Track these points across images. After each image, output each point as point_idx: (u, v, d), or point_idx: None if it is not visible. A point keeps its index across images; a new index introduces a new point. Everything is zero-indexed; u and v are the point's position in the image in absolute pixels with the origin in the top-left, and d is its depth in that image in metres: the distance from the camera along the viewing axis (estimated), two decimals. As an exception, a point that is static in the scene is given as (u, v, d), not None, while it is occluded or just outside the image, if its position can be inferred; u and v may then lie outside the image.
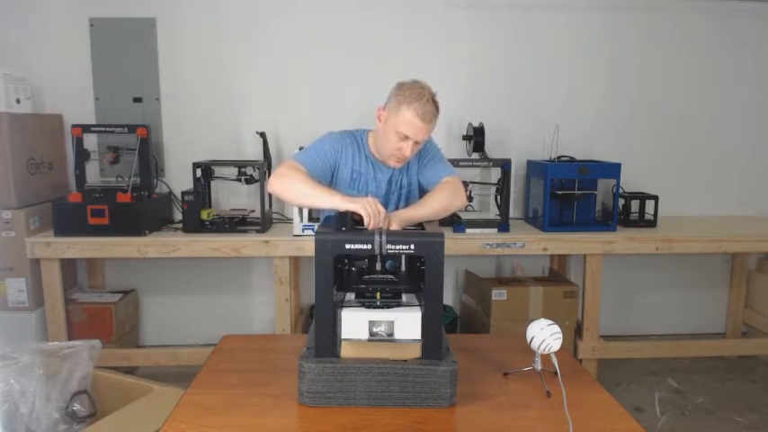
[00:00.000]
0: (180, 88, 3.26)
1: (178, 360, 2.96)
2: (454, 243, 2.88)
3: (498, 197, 3.10)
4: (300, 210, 2.82)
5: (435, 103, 1.72)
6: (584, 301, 3.02)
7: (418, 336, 1.42)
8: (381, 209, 1.54)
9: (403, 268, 1.57)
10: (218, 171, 3.16)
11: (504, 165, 3.04)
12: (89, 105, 3.23)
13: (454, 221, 3.00)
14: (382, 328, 1.42)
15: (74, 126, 2.91)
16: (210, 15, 3.23)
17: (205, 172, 3.05)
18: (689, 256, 3.39)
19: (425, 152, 1.88)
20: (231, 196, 3.35)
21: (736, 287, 3.59)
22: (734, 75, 3.50)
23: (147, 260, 2.97)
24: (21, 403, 1.81)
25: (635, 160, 3.32)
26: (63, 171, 3.19)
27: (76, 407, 1.94)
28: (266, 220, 2.97)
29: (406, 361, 1.41)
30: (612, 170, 3.04)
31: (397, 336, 1.42)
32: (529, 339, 1.51)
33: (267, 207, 3.00)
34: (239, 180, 3.07)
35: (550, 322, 1.52)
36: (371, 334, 1.42)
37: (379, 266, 1.54)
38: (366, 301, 1.47)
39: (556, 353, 1.49)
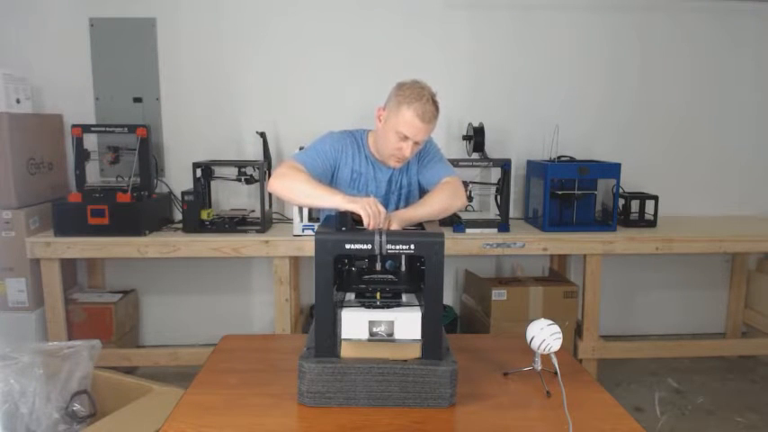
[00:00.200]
0: (180, 88, 3.26)
1: (178, 360, 2.96)
2: (454, 243, 2.88)
3: (498, 197, 3.10)
4: (300, 210, 2.82)
5: (435, 104, 1.72)
6: (584, 301, 3.02)
7: (418, 336, 1.42)
8: (381, 209, 1.54)
9: (403, 268, 1.57)
10: (218, 171, 3.16)
11: (504, 165, 3.04)
12: (89, 105, 3.23)
13: (454, 221, 3.00)
14: (382, 328, 1.42)
15: (74, 126, 2.91)
16: (210, 15, 3.23)
17: (205, 172, 3.05)
18: (689, 256, 3.39)
19: (425, 152, 1.88)
20: (231, 196, 3.35)
21: (736, 287, 3.59)
22: (734, 75, 3.50)
23: (147, 260, 2.97)
24: (21, 403, 1.81)
25: (635, 160, 3.32)
26: (63, 171, 3.19)
27: (76, 407, 1.94)
28: (266, 220, 2.97)
29: (406, 361, 1.41)
30: (612, 170, 3.04)
31: (397, 336, 1.42)
32: (529, 339, 1.51)
33: (267, 207, 3.00)
34: (239, 180, 3.07)
35: (550, 322, 1.52)
36: (371, 334, 1.42)
37: (379, 266, 1.54)
38: (366, 301, 1.46)
39: (556, 353, 1.49)
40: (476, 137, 3.18)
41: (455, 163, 2.74)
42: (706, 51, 3.47)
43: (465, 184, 2.49)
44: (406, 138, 1.72)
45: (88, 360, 2.01)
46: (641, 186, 3.37)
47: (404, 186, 1.88)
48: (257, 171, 3.02)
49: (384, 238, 1.38)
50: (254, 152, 3.28)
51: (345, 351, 1.42)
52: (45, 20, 3.16)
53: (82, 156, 2.94)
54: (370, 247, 1.38)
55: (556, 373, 1.46)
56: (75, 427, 1.91)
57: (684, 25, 3.43)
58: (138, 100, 3.25)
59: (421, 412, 1.38)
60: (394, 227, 1.57)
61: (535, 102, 3.40)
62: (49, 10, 3.15)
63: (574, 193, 3.07)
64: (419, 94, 1.69)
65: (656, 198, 3.19)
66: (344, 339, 1.42)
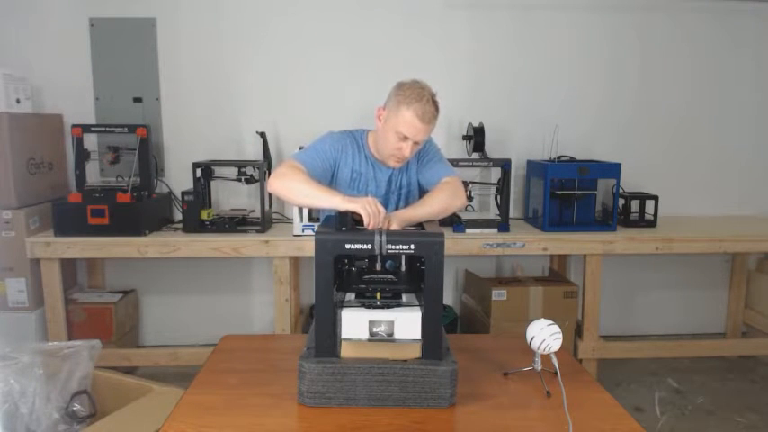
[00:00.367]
0: (180, 88, 3.26)
1: (178, 360, 2.96)
2: (454, 243, 2.88)
3: (498, 197, 3.10)
4: (300, 210, 2.82)
5: (435, 104, 1.72)
6: (585, 301, 3.02)
7: (418, 336, 1.42)
8: (381, 209, 1.54)
9: (403, 268, 1.57)
10: (218, 171, 3.16)
11: (504, 165, 3.04)
12: (89, 105, 3.23)
13: (454, 221, 3.00)
14: (382, 328, 1.42)
15: (74, 126, 2.91)
16: (210, 15, 3.23)
17: (205, 172, 3.05)
18: (689, 256, 3.39)
19: (425, 152, 1.88)
20: (231, 196, 3.35)
21: (736, 287, 3.59)
22: (734, 75, 3.50)
23: (147, 260, 2.97)
24: (21, 403, 1.81)
25: (635, 160, 3.32)
26: (63, 171, 3.19)
27: (76, 407, 1.94)
28: (266, 220, 2.97)
29: (406, 361, 1.41)
30: (612, 170, 3.04)
31: (397, 336, 1.42)
32: (529, 339, 1.51)
33: (267, 207, 3.00)
34: (239, 180, 3.07)
35: (550, 322, 1.52)
36: (371, 334, 1.42)
37: (379, 266, 1.54)
38: (366, 301, 1.46)
39: (556, 353, 1.49)
40: (476, 137, 3.18)
41: (455, 163, 2.74)
42: (706, 51, 3.47)
43: (465, 183, 2.49)
44: (405, 138, 1.72)
45: (88, 360, 2.01)
46: (641, 186, 3.37)
47: (403, 186, 1.88)
48: (257, 171, 3.02)
49: (384, 238, 1.38)
50: (254, 152, 3.28)
51: (345, 351, 1.42)
52: (45, 20, 3.16)
53: (82, 156, 2.94)
54: (370, 247, 1.38)
55: (556, 373, 1.46)
56: (75, 427, 1.91)
57: (684, 25, 3.43)
58: (138, 100, 3.25)
59: (421, 412, 1.38)
60: (394, 227, 1.57)
61: (535, 102, 3.40)
62: (49, 10, 3.15)
63: (574, 193, 3.07)
64: (419, 95, 1.69)
65: (656, 198, 3.19)
66: (344, 339, 1.42)
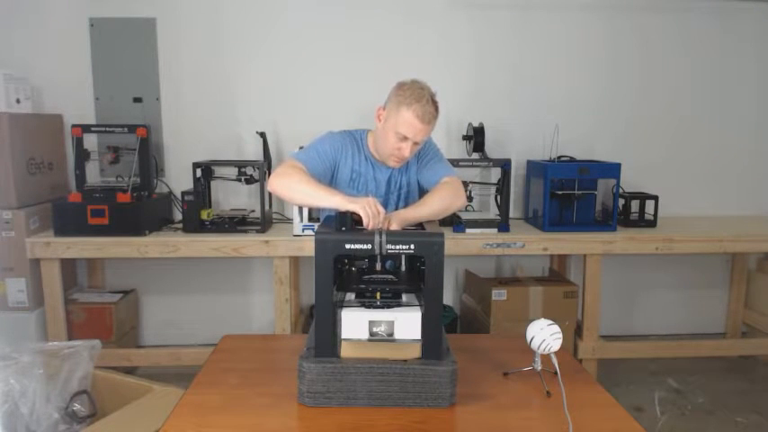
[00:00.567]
0: (180, 88, 3.26)
1: (178, 360, 2.96)
2: (454, 243, 2.88)
3: (498, 197, 3.10)
4: (300, 210, 2.83)
5: (435, 104, 1.72)
6: (584, 301, 3.02)
7: (418, 336, 1.42)
8: (381, 209, 1.54)
9: (403, 268, 1.57)
10: (218, 171, 3.16)
11: (504, 165, 3.04)
12: (89, 105, 3.23)
13: (454, 221, 3.00)
14: (382, 328, 1.42)
15: (74, 126, 2.91)
16: (210, 15, 3.23)
17: (205, 172, 3.05)
18: (689, 256, 3.39)
19: (425, 152, 1.88)
20: (231, 196, 3.36)
21: (736, 287, 3.60)
22: (734, 75, 3.50)
23: (147, 260, 2.97)
24: (21, 403, 1.81)
25: (635, 160, 3.32)
26: (63, 171, 3.19)
27: (76, 407, 1.94)
28: (266, 220, 2.97)
29: (406, 361, 1.41)
30: (612, 170, 3.04)
31: (397, 336, 1.42)
32: (529, 339, 1.51)
33: (267, 207, 3.00)
34: (239, 180, 3.07)
35: (550, 322, 1.52)
36: (371, 334, 1.42)
37: (379, 266, 1.54)
38: (366, 301, 1.46)
39: (556, 353, 1.49)
40: (476, 137, 3.18)
41: (455, 163, 2.74)
42: (706, 51, 3.47)
43: (465, 183, 2.50)
44: (405, 138, 1.72)
45: (88, 360, 2.01)
46: (641, 186, 3.37)
47: (403, 186, 1.88)
48: (257, 171, 3.02)
49: (384, 238, 1.38)
50: (254, 152, 3.28)
51: (345, 351, 1.42)
52: (45, 20, 3.16)
53: (82, 156, 2.94)
54: (369, 247, 1.38)
55: (556, 373, 1.46)
56: (75, 427, 1.91)
57: (684, 25, 3.43)
58: (138, 100, 3.25)
59: (421, 412, 1.38)
60: (394, 227, 1.57)
61: (535, 102, 3.40)
62: (49, 10, 3.15)
63: (574, 193, 3.07)
64: (419, 95, 1.69)
65: (656, 198, 3.19)
66: (344, 339, 1.42)
